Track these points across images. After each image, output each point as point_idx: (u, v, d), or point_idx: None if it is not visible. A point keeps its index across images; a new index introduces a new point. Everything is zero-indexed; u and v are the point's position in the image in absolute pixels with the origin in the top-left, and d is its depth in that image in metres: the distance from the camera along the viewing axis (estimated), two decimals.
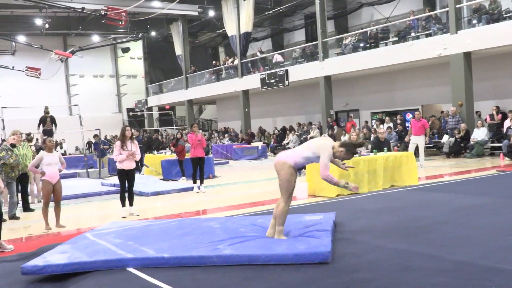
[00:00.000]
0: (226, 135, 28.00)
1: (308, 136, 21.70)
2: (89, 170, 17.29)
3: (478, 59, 16.60)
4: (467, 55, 15.98)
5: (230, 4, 25.64)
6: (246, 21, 24.75)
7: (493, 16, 15.63)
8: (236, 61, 26.26)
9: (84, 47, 25.74)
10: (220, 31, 30.67)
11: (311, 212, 6.91)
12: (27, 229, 8.10)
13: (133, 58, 37.19)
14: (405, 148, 14.47)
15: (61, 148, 24.24)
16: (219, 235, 5.48)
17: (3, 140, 14.45)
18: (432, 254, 4.62)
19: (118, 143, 8.53)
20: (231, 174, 15.50)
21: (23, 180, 9.73)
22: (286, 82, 22.37)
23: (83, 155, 20.53)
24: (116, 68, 37.14)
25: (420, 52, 17.11)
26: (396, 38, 18.93)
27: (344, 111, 23.54)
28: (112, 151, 11.72)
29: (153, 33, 33.23)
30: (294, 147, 19.97)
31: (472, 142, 15.56)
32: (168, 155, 16.35)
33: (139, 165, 15.30)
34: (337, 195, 9.13)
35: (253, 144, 22.78)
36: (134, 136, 8.96)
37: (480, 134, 15.53)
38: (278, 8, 26.18)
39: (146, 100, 34.67)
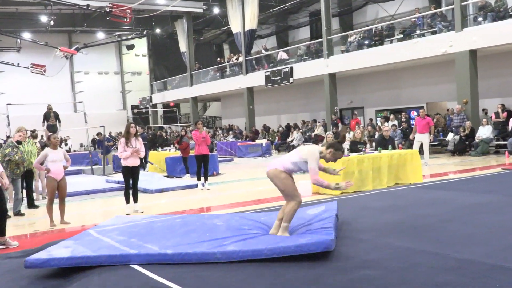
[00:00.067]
0: (230, 132, 28.01)
1: (313, 134, 21.69)
2: (93, 167, 17.33)
3: (483, 57, 16.53)
4: (473, 53, 15.90)
5: (235, 1, 25.61)
6: (251, 18, 24.72)
7: (499, 13, 15.54)
8: (241, 58, 26.24)
9: (89, 44, 25.77)
10: (224, 28, 30.66)
11: None
12: (31, 226, 8.13)
13: (138, 55, 37.24)
14: (410, 146, 14.42)
15: (66, 145, 24.33)
16: (222, 233, 5.48)
17: (8, 137, 14.51)
18: (437, 252, 4.60)
19: (122, 140, 8.54)
20: (236, 172, 15.50)
21: (28, 176, 9.75)
22: (291, 80, 22.34)
23: (87, 152, 20.58)
24: (120, 65, 37.20)
25: (425, 49, 17.04)
26: (401, 36, 18.85)
27: (348, 108, 23.50)
28: (117, 148, 11.75)
29: (157, 30, 33.28)
30: (298, 144, 20.12)
31: (477, 140, 15.50)
32: (173, 152, 16.37)
33: (144, 162, 15.32)
34: (341, 193, 9.11)
35: (258, 141, 22.79)
36: (138, 133, 8.98)
37: (485, 132, 15.47)
38: (283, 5, 26.12)
39: (151, 97, 34.72)
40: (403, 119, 18.50)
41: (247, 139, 24.61)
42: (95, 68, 35.64)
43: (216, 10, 29.06)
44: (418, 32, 18.30)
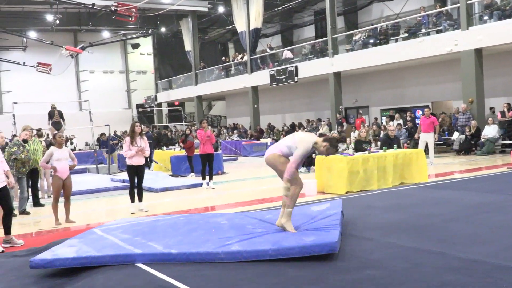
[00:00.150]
0: (235, 131, 28.01)
1: (317, 133, 21.67)
2: (98, 165, 17.37)
3: (489, 56, 16.45)
4: (478, 52, 15.83)
5: (240, 0, 25.59)
6: (256, 17, 24.71)
7: (505, 12, 15.46)
8: (246, 57, 26.24)
9: (95, 43, 25.86)
10: (229, 27, 30.64)
11: None
12: (37, 224, 8.17)
13: (143, 54, 37.27)
14: (415, 145, 14.38)
15: (71, 144, 24.39)
16: (226, 232, 5.48)
17: (14, 135, 14.57)
18: (442, 252, 4.59)
19: (127, 139, 8.56)
20: (240, 171, 15.51)
21: (33, 175, 9.80)
22: (296, 79, 22.31)
23: (92, 150, 20.63)
24: (126, 64, 37.26)
25: (430, 48, 16.98)
26: (407, 34, 18.78)
27: (353, 107, 23.45)
28: (122, 146, 11.77)
29: (163, 29, 33.32)
30: None
31: (482, 139, 15.44)
32: (177, 151, 16.39)
33: (148, 161, 15.35)
34: (346, 192, 9.11)
35: (262, 140, 22.80)
36: (143, 132, 9.00)
37: (491, 131, 15.40)
38: (288, 4, 26.08)
39: (156, 96, 34.77)
40: (409, 118, 18.44)
41: (252, 138, 24.61)
42: (100, 67, 35.70)
43: (221, 9, 29.07)
44: (423, 31, 18.22)
